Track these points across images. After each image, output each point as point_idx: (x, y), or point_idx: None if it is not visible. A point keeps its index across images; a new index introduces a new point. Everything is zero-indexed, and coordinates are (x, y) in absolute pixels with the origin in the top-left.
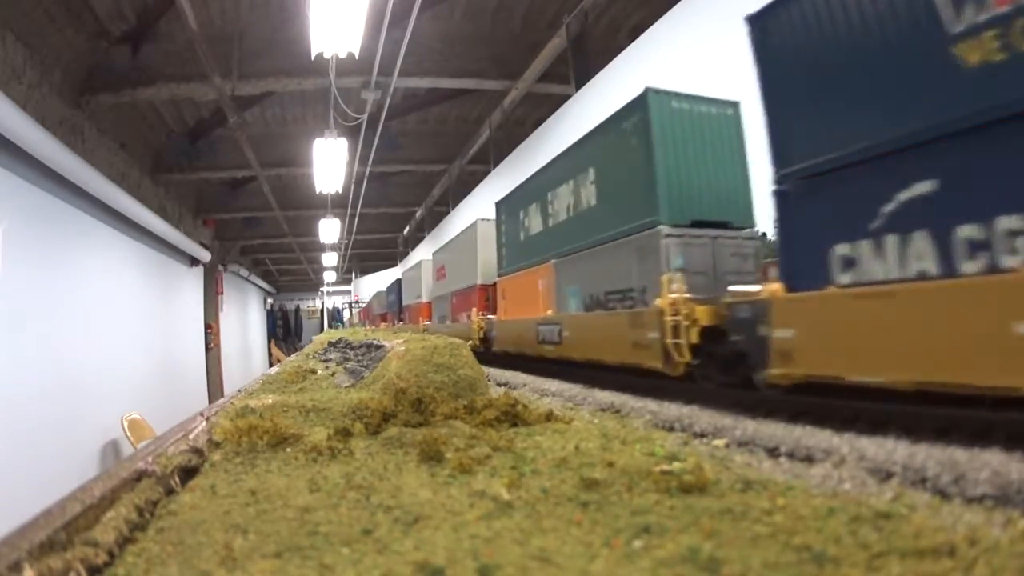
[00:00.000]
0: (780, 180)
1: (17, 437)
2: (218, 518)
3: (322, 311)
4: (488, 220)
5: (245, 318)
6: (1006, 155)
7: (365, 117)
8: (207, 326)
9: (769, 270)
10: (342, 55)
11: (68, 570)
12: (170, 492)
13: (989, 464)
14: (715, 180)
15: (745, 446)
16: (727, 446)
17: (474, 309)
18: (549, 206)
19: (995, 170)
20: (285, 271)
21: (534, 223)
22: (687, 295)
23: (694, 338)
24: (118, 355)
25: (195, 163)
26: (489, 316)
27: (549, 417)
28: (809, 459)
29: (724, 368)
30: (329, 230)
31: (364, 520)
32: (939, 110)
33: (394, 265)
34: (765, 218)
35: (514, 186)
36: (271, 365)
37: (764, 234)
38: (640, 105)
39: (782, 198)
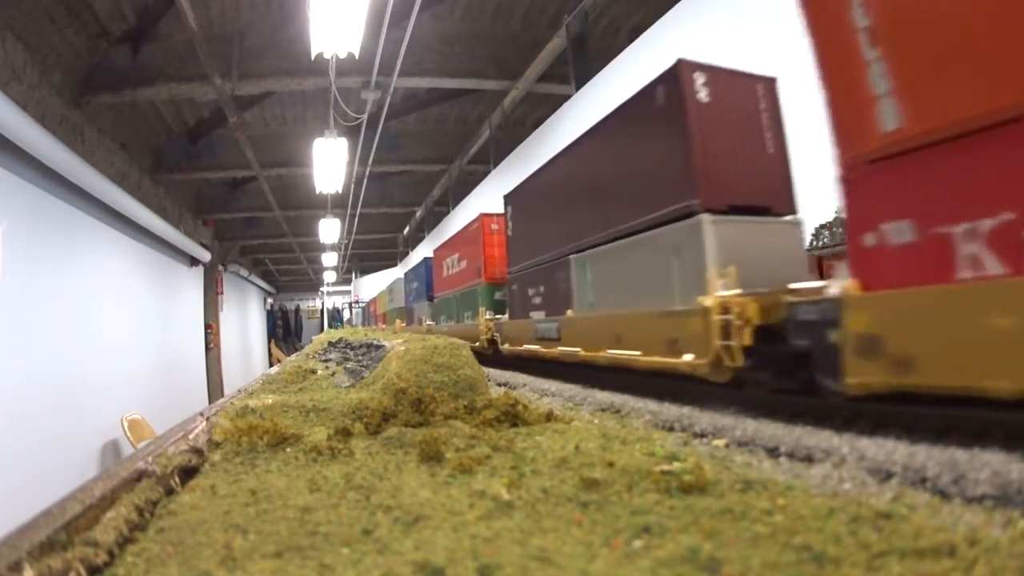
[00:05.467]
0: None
1: (17, 437)
2: (218, 518)
3: (322, 311)
4: None
5: (245, 318)
6: None
7: (365, 117)
8: (207, 326)
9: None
10: (342, 55)
11: (68, 570)
12: (170, 492)
13: (989, 464)
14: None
15: (745, 446)
16: (727, 446)
17: None
18: None
19: None
20: (285, 271)
21: None
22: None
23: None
24: (118, 355)
25: (195, 163)
26: None
27: (549, 417)
28: (809, 459)
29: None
30: (329, 230)
31: (364, 520)
32: None
33: (394, 265)
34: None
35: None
36: (271, 365)
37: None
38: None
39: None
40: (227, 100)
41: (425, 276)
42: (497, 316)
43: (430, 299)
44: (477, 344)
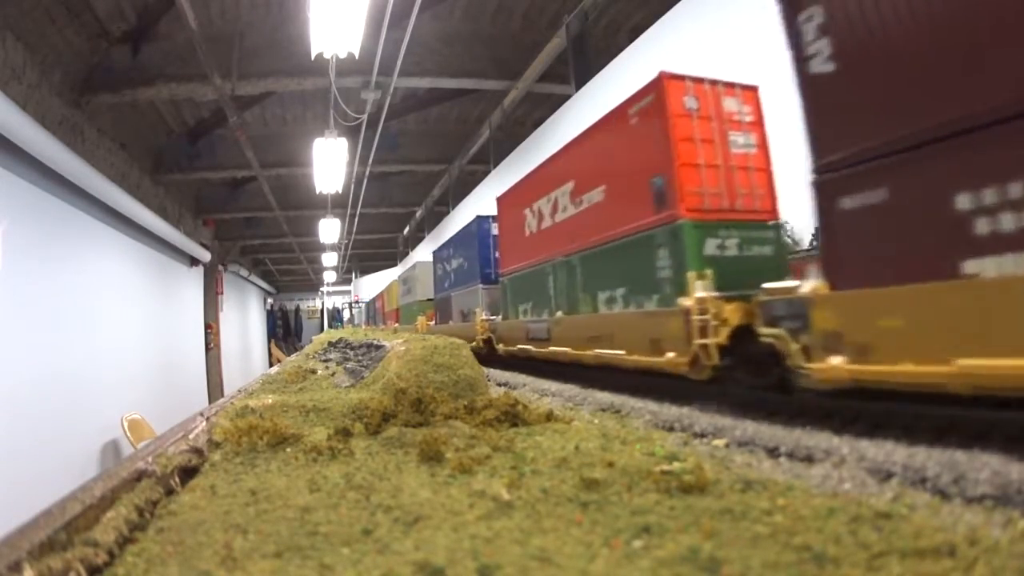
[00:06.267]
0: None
1: (17, 437)
2: (218, 518)
3: (322, 311)
4: None
5: (245, 318)
6: None
7: (365, 117)
8: (207, 326)
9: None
10: (342, 55)
11: (68, 570)
12: (170, 492)
13: (989, 464)
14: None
15: (745, 446)
16: (727, 446)
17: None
18: None
19: None
20: (285, 271)
21: None
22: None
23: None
24: (118, 355)
25: (195, 163)
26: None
27: (549, 417)
28: (809, 459)
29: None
30: (329, 230)
31: (364, 520)
32: None
33: (394, 265)
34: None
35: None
36: (271, 365)
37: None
38: None
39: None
40: (227, 100)
41: (479, 246)
42: (769, 286)
43: (488, 281)
44: (669, 358)
